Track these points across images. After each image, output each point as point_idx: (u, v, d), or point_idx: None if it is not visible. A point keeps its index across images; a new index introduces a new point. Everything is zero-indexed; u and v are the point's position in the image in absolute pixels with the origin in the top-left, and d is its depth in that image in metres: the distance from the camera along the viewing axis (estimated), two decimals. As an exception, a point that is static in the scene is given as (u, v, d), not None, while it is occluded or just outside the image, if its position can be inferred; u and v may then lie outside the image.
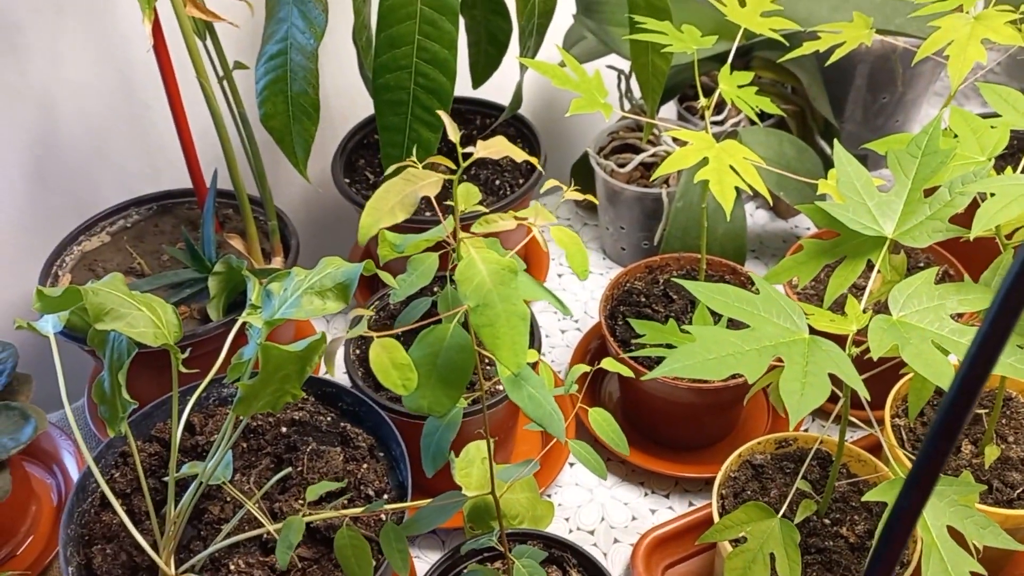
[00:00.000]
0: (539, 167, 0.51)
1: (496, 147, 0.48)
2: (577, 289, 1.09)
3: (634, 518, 0.85)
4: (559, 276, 1.11)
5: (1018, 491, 0.70)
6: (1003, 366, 0.50)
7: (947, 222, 0.57)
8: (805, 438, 0.73)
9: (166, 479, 0.61)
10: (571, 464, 0.90)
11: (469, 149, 0.46)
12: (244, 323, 0.61)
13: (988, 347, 0.29)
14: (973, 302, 0.53)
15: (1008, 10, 0.70)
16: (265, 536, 0.64)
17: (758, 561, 0.56)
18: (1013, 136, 0.99)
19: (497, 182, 1.01)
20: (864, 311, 0.57)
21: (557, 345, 1.02)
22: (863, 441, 0.83)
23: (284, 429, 0.72)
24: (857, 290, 0.89)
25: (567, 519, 0.85)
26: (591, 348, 0.97)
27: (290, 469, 0.68)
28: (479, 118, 1.07)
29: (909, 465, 0.70)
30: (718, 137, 0.69)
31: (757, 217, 1.16)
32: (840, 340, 0.53)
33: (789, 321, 0.52)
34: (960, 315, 0.53)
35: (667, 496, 0.87)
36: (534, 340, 0.82)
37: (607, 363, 0.63)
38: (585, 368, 0.62)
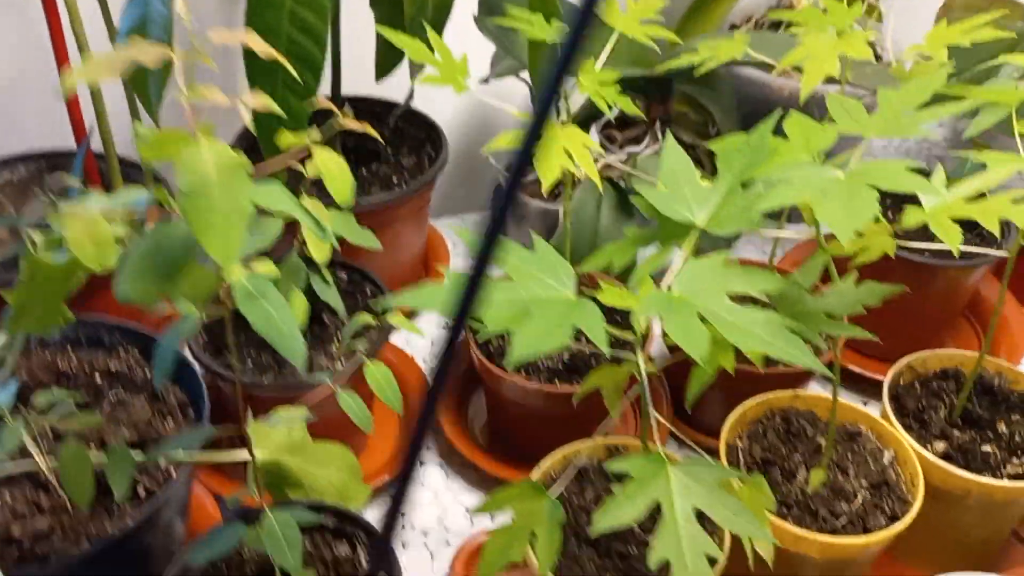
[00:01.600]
0: (375, 134, 0.52)
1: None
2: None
3: (473, 525, 0.82)
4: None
5: (841, 521, 0.66)
6: (773, 348, 0.48)
7: (758, 213, 0.56)
8: (633, 445, 0.71)
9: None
10: (422, 463, 0.87)
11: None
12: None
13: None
14: (756, 283, 0.51)
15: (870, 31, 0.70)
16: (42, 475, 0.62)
17: (520, 540, 0.53)
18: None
19: (394, 179, 1.01)
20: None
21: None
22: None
23: (98, 378, 0.70)
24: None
25: (403, 515, 0.82)
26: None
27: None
28: (393, 120, 1.07)
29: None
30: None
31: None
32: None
33: (559, 282, 0.50)
34: (745, 298, 0.52)
35: (513, 507, 0.84)
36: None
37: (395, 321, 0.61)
38: (367, 317, 0.60)
